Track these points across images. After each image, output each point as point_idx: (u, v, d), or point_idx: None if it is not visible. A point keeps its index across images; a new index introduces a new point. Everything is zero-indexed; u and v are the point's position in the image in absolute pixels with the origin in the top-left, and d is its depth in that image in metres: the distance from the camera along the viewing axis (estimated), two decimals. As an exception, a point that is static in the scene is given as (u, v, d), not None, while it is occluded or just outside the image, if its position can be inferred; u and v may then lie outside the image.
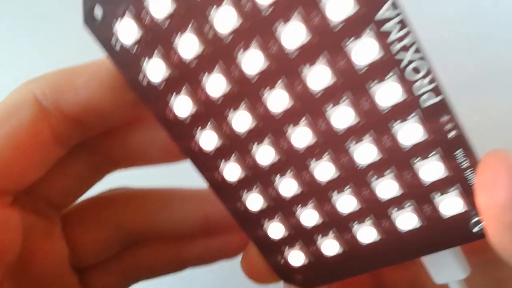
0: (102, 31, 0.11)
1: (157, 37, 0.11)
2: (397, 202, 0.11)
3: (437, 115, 0.10)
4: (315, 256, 0.13)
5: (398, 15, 0.09)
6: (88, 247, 0.15)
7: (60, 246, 0.14)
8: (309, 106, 0.11)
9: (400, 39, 0.09)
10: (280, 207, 0.13)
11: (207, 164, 0.13)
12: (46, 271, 0.14)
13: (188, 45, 0.11)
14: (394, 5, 0.09)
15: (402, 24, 0.09)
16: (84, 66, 0.12)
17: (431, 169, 0.11)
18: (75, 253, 0.15)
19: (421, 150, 0.11)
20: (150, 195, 0.15)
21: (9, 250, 0.12)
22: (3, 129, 0.12)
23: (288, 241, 0.13)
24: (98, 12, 0.11)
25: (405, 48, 0.09)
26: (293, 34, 0.10)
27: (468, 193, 0.11)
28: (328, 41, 0.10)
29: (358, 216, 0.12)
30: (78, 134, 0.13)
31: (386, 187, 0.11)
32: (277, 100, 0.11)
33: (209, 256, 0.16)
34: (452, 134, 0.10)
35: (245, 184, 0.13)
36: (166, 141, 0.13)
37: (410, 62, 0.10)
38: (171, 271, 0.16)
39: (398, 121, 0.10)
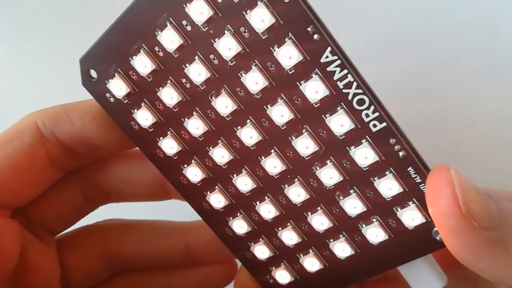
0: (98, 89, 0.13)
1: (144, 90, 0.13)
2: (365, 218, 0.13)
3: (385, 138, 0.11)
4: (300, 273, 0.14)
5: (337, 59, 0.11)
6: (78, 270, 0.16)
7: (54, 266, 0.15)
8: (276, 139, 0.12)
9: (343, 77, 0.11)
10: (263, 230, 0.14)
11: (195, 195, 0.14)
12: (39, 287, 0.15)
13: (169, 94, 0.13)
14: (333, 52, 0.11)
15: (342, 66, 0.11)
16: (80, 103, 0.14)
17: (388, 186, 0.12)
18: (66, 275, 0.16)
19: (378, 170, 0.12)
20: (137, 226, 0.17)
21: (8, 257, 0.14)
22: (6, 150, 0.13)
23: (274, 261, 0.15)
24: (93, 74, 0.13)
25: (349, 84, 0.11)
26: (253, 81, 0.12)
27: (424, 206, 0.12)
28: (284, 84, 0.12)
29: (332, 233, 0.13)
30: (71, 161, 0.15)
31: (353, 205, 0.13)
32: (249, 135, 0.13)
33: (195, 286, 0.17)
34: (401, 154, 0.12)
35: (230, 210, 0.14)
36: (152, 181, 0.14)
37: (354, 95, 0.11)
38: None
39: (353, 145, 0.12)
